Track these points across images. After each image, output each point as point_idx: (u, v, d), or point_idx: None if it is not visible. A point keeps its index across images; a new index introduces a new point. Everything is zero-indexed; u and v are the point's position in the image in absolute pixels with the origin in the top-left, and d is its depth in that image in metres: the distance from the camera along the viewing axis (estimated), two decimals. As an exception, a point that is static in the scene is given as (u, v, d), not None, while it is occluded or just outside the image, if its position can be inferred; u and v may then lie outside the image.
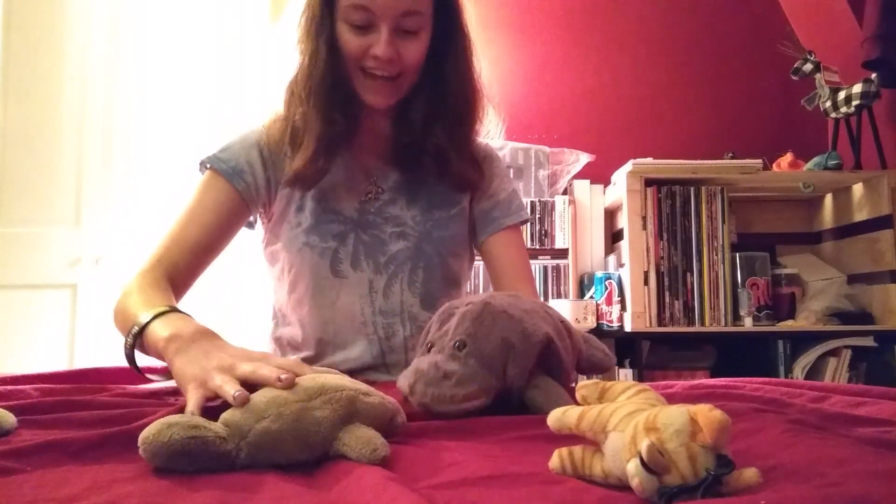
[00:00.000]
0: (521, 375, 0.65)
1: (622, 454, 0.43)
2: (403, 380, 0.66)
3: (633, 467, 0.40)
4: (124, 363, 0.85)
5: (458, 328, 0.65)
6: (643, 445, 0.40)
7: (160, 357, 0.72)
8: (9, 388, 0.75)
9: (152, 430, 0.47)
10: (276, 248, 1.01)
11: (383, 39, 0.88)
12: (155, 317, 0.75)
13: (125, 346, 0.78)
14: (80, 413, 0.63)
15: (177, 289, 0.91)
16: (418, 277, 0.98)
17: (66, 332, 2.15)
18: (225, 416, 0.51)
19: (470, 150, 1.04)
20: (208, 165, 0.98)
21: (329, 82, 0.92)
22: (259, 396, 0.52)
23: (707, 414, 0.40)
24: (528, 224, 2.08)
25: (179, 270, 0.91)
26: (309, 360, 0.98)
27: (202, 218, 0.94)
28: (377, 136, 1.02)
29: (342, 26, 0.91)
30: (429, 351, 0.67)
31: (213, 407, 0.61)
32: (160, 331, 0.72)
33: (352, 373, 0.95)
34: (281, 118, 0.98)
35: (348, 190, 0.99)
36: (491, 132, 1.07)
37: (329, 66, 0.92)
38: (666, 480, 0.40)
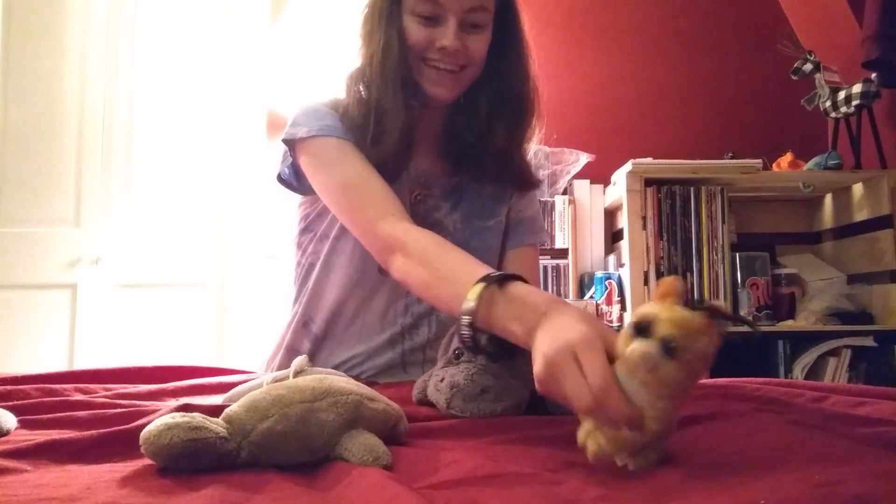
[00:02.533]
0: None
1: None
2: (438, 394, 0.66)
3: (637, 345, 0.46)
4: (124, 364, 0.84)
5: (490, 339, 0.65)
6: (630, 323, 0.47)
7: (527, 319, 0.60)
8: (9, 388, 0.75)
9: (153, 431, 0.47)
10: (325, 231, 1.00)
11: (451, 32, 0.90)
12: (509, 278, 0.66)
13: (473, 304, 0.64)
14: (80, 413, 0.63)
15: None
16: None
17: (65, 332, 2.15)
18: (228, 412, 0.51)
19: (526, 151, 1.05)
20: (319, 135, 0.93)
21: (403, 71, 0.93)
22: (263, 394, 0.52)
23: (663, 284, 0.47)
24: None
25: (403, 210, 0.88)
26: (330, 347, 0.99)
27: (366, 165, 0.90)
28: (429, 136, 1.02)
29: (408, 18, 0.93)
30: (456, 358, 0.68)
31: (217, 405, 0.61)
32: (532, 294, 0.62)
33: (371, 371, 0.95)
34: (353, 101, 0.96)
35: (400, 189, 0.98)
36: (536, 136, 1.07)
37: (399, 54, 0.92)
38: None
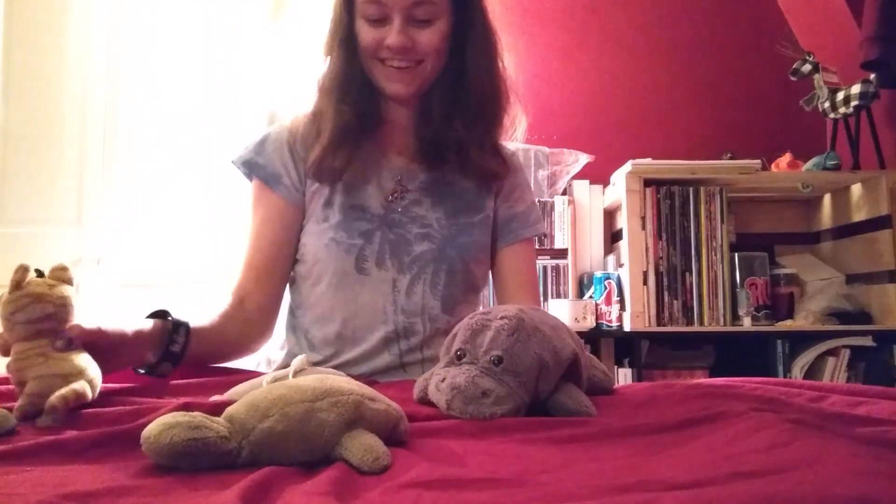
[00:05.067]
0: (550, 392, 0.67)
1: None
2: (439, 394, 0.66)
3: None
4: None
5: (494, 342, 0.66)
6: None
7: None
8: (9, 387, 0.75)
9: (153, 431, 0.47)
10: (302, 242, 1.01)
11: (395, 29, 0.92)
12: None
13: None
14: (81, 412, 0.63)
15: (258, 311, 0.99)
16: (440, 280, 0.98)
17: (65, 331, 2.15)
18: (229, 411, 0.51)
19: (492, 143, 1.04)
20: (251, 175, 1.03)
21: (343, 77, 0.96)
22: (264, 394, 0.52)
23: None
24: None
25: (252, 297, 0.99)
26: (327, 357, 0.99)
27: (262, 236, 1.01)
28: (403, 134, 1.03)
29: (360, 22, 0.95)
30: (458, 359, 0.68)
31: (218, 403, 0.61)
32: None
33: (370, 373, 0.95)
34: (309, 114, 1.02)
35: (375, 188, 1.01)
36: (517, 132, 1.07)
37: (343, 61, 0.96)
38: None
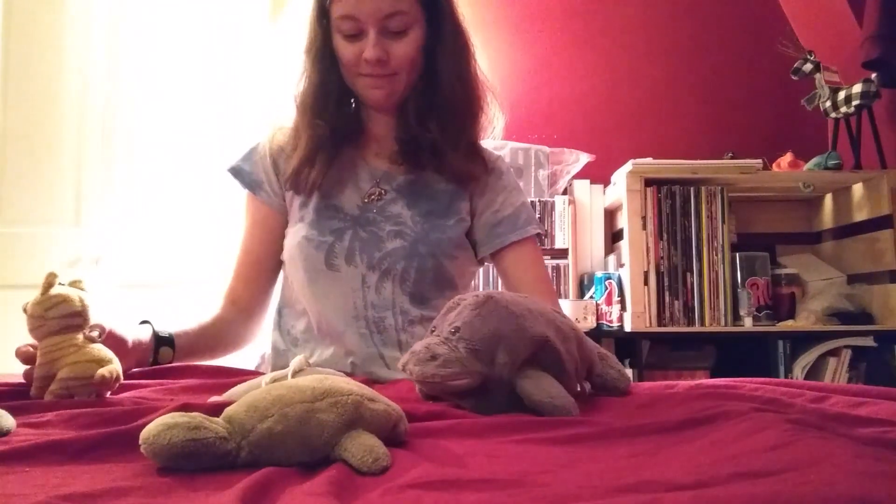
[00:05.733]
0: (511, 366, 0.67)
1: None
2: (402, 359, 0.71)
3: None
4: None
5: (458, 316, 0.70)
6: None
7: None
8: (8, 388, 0.75)
9: (152, 431, 0.47)
10: (284, 243, 1.05)
11: (371, 43, 0.94)
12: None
13: None
14: (80, 412, 0.63)
15: (247, 310, 1.07)
16: (410, 277, 0.99)
17: (65, 331, 2.15)
18: (228, 412, 0.51)
19: (468, 144, 1.05)
20: (238, 181, 1.08)
21: (320, 92, 1.00)
22: (263, 394, 0.52)
23: None
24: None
25: (242, 297, 1.07)
26: (308, 349, 1.01)
27: (249, 240, 1.08)
28: (384, 139, 1.06)
29: (337, 38, 0.98)
30: (431, 333, 0.72)
31: (217, 404, 0.61)
32: None
33: (352, 368, 0.96)
34: (291, 126, 1.06)
35: (353, 190, 1.03)
36: (495, 130, 1.09)
37: (320, 76, 1.00)
38: None
